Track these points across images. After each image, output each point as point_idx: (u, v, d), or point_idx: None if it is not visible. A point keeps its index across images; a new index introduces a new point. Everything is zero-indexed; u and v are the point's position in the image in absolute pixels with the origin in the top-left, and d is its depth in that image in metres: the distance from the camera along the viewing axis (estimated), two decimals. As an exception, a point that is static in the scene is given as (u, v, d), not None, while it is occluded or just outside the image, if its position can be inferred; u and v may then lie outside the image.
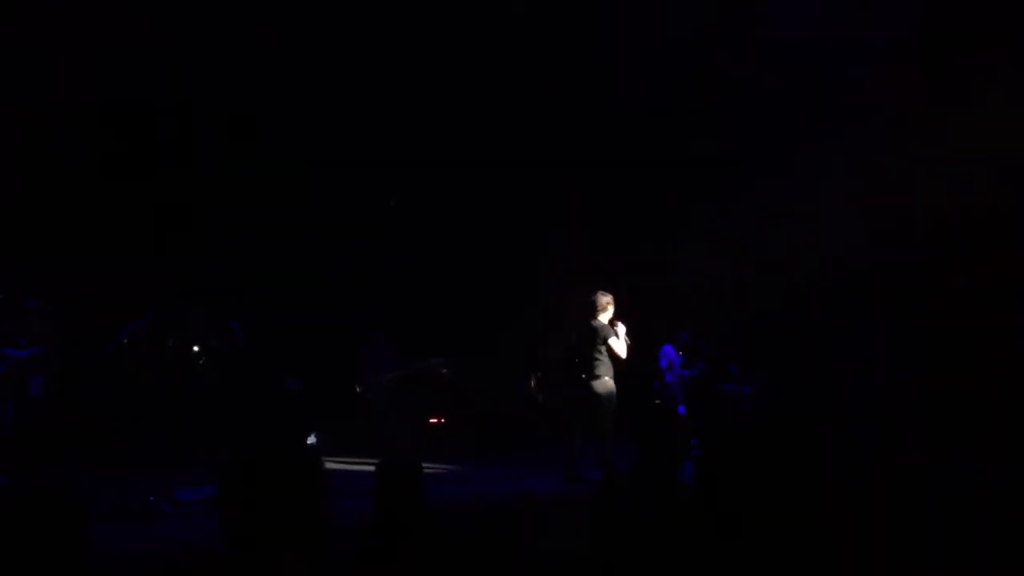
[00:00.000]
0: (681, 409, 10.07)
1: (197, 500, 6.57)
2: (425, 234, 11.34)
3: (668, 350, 10.33)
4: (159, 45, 9.28)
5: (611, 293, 8.03)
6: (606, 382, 7.82)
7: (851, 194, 9.31)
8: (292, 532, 2.05)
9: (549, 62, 10.34)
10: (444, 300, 11.01)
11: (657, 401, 9.93)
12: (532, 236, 11.58)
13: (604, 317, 7.92)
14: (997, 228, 8.52)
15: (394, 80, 10.23)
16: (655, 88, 10.33)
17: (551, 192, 11.50)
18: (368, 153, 10.82)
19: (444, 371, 10.18)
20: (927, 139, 8.29)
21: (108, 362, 9.02)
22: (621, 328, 7.94)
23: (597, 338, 7.84)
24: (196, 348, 9.31)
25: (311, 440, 9.76)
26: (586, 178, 11.63)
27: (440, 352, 10.25)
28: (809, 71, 9.73)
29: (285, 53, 9.80)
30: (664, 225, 11.24)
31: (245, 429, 8.49)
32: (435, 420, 10.28)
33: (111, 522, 5.86)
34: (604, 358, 7.83)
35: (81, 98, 9.22)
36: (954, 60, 8.55)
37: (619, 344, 7.85)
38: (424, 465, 3.23)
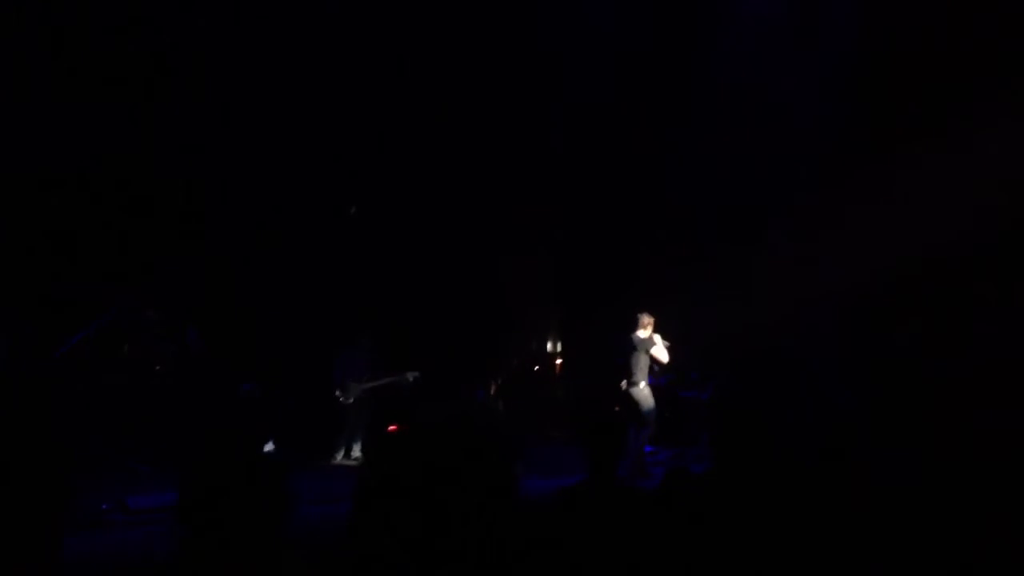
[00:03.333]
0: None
1: (149, 508, 6.45)
2: (384, 241, 11.31)
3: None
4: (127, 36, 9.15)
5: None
6: (644, 388, 9.04)
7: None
8: (252, 542, 2.01)
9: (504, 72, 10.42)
10: (408, 309, 11.00)
11: (616, 408, 9.98)
12: (496, 246, 11.61)
13: (644, 333, 9.13)
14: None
15: (377, 83, 10.23)
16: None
17: (514, 207, 11.54)
18: (333, 158, 10.77)
19: (410, 380, 10.21)
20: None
21: (60, 369, 8.83)
22: (658, 338, 9.19)
23: (639, 350, 9.04)
24: (151, 353, 9.16)
25: (268, 447, 9.70)
26: (549, 198, 11.70)
27: (407, 361, 10.27)
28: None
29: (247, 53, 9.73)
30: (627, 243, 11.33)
31: (198, 437, 8.36)
32: (394, 428, 10.28)
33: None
34: (643, 367, 9.04)
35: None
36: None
37: (661, 351, 9.16)
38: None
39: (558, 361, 12.64)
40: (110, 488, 6.93)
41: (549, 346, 12.83)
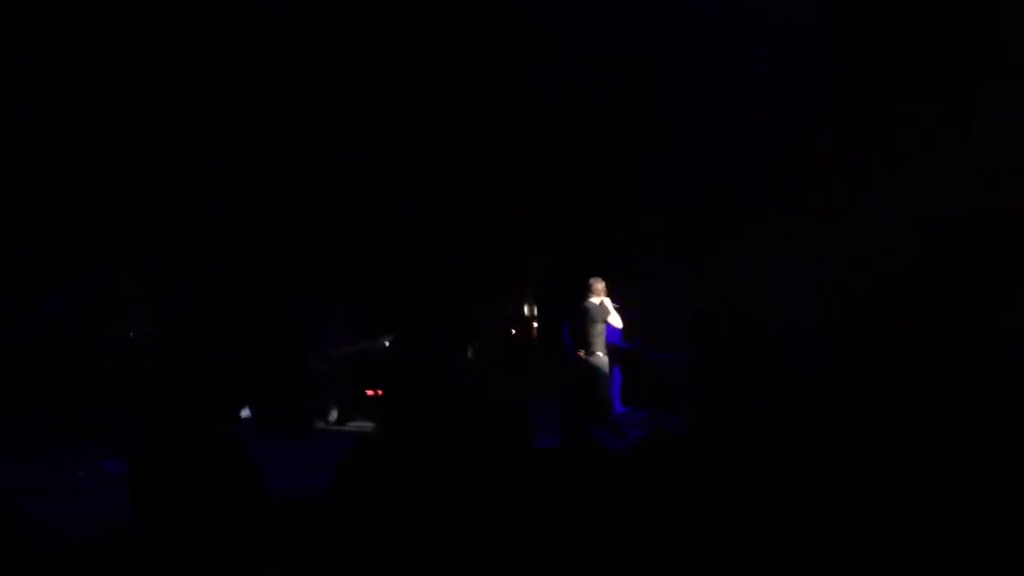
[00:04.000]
0: (618, 377, 10.22)
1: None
2: (361, 206, 11.25)
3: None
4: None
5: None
6: (601, 357, 8.82)
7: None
8: (208, 508, 1.97)
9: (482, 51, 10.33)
10: (387, 275, 10.99)
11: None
12: (477, 209, 11.58)
13: (596, 300, 8.89)
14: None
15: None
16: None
17: (494, 169, 11.48)
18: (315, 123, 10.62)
19: (388, 344, 10.25)
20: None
21: (35, 334, 8.75)
22: (610, 303, 9.01)
23: (596, 319, 8.81)
24: (127, 319, 9.09)
25: (245, 414, 9.70)
26: (530, 164, 11.62)
27: (390, 327, 10.31)
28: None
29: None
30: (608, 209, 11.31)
31: (169, 402, 8.34)
32: (372, 392, 10.44)
33: (37, 500, 5.72)
34: (600, 336, 8.81)
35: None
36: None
37: (616, 318, 9.01)
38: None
39: (535, 325, 12.69)
40: (86, 456, 6.91)
41: (526, 310, 12.86)
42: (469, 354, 10.95)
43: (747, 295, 9.68)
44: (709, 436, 2.98)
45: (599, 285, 8.97)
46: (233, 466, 2.04)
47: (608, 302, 8.98)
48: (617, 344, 10.42)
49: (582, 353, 8.86)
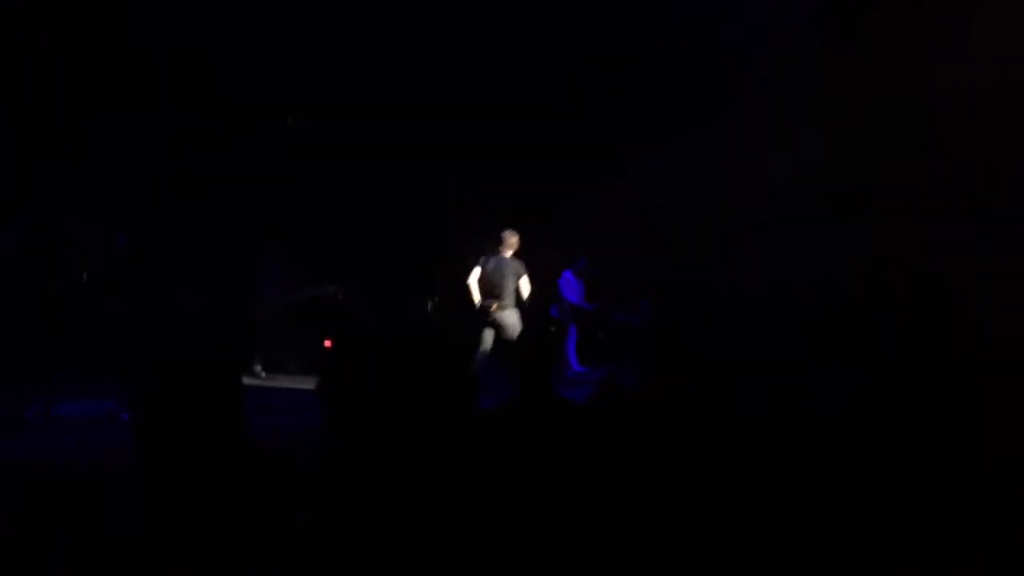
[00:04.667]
0: (572, 335, 10.31)
1: (77, 416, 6.37)
2: (323, 155, 11.06)
3: (568, 276, 10.53)
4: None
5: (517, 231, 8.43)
6: (514, 313, 8.31)
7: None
8: (214, 448, 1.96)
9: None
10: (342, 222, 10.84)
11: (552, 328, 10.13)
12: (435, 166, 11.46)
13: (509, 253, 8.35)
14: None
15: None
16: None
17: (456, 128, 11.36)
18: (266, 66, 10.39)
19: (340, 296, 10.05)
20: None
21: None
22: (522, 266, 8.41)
23: (510, 273, 8.27)
24: (75, 261, 8.86)
25: (257, 369, 9.45)
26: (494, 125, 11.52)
27: (336, 275, 10.11)
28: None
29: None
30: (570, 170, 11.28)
31: (154, 349, 8.17)
32: (329, 343, 10.24)
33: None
34: (512, 291, 8.30)
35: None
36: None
37: (526, 284, 8.37)
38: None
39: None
40: (34, 396, 6.79)
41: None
42: (429, 307, 10.91)
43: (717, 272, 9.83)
44: (657, 389, 3.04)
45: (513, 238, 8.40)
46: (233, 413, 2.03)
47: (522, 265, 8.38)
48: (578, 304, 10.52)
49: (495, 307, 8.29)
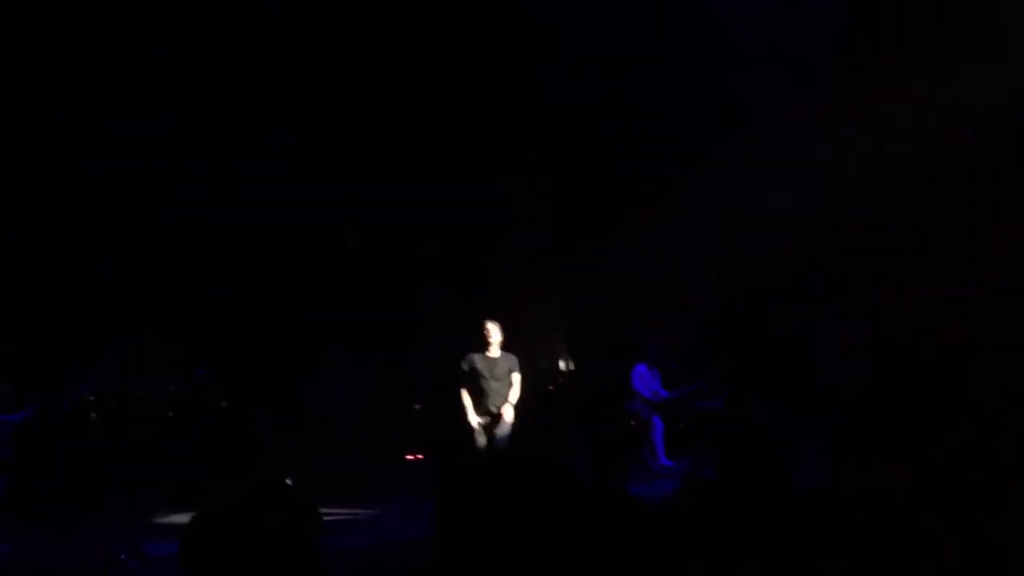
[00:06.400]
0: (658, 427, 9.98)
1: (167, 555, 6.37)
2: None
3: (640, 369, 10.20)
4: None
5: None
6: (509, 416, 7.66)
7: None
8: None
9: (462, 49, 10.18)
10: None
11: (632, 423, 9.87)
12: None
13: (496, 349, 7.69)
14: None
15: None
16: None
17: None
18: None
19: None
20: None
21: (72, 417, 8.77)
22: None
23: (508, 369, 7.68)
24: (159, 395, 9.11)
25: (287, 482, 9.50)
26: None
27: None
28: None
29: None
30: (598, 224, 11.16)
31: (221, 477, 8.26)
32: (412, 456, 10.26)
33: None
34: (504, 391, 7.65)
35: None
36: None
37: (519, 379, 7.75)
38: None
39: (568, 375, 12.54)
40: (125, 535, 6.87)
41: (561, 364, 12.74)
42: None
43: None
44: (735, 482, 2.88)
45: (499, 332, 7.67)
46: (290, 544, 1.96)
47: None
48: (656, 392, 10.19)
49: (497, 410, 7.57)
